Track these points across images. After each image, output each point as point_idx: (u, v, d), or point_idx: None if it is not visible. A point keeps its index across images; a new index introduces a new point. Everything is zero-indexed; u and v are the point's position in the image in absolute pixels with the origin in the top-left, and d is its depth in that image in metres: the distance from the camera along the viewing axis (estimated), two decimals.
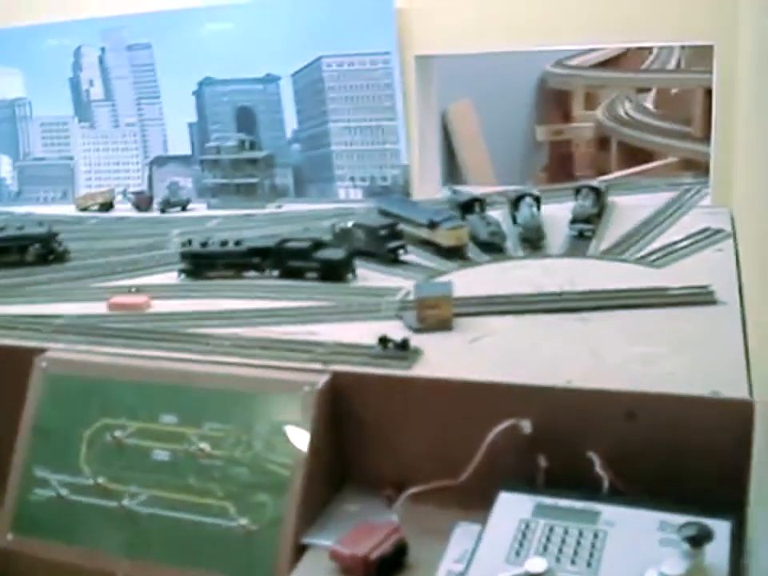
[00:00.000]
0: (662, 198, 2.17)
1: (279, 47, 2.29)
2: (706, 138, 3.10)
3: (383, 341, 1.33)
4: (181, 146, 2.50)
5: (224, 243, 1.79)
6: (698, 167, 3.00)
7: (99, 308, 1.65)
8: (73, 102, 2.58)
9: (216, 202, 2.42)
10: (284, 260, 1.74)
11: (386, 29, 2.18)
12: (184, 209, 2.42)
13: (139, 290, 1.72)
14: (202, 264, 1.78)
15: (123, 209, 2.49)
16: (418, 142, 2.29)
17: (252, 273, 1.78)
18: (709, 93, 3.13)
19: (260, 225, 2.18)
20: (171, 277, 1.83)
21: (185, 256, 1.80)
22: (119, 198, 2.52)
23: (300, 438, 1.24)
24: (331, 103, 2.31)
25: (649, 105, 4.02)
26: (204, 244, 1.79)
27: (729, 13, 1.92)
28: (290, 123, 2.38)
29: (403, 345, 1.32)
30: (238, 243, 1.78)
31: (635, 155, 3.74)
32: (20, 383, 1.41)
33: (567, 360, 1.30)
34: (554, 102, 4.26)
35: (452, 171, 2.68)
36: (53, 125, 2.61)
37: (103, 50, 2.50)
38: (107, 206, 2.49)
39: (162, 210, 2.41)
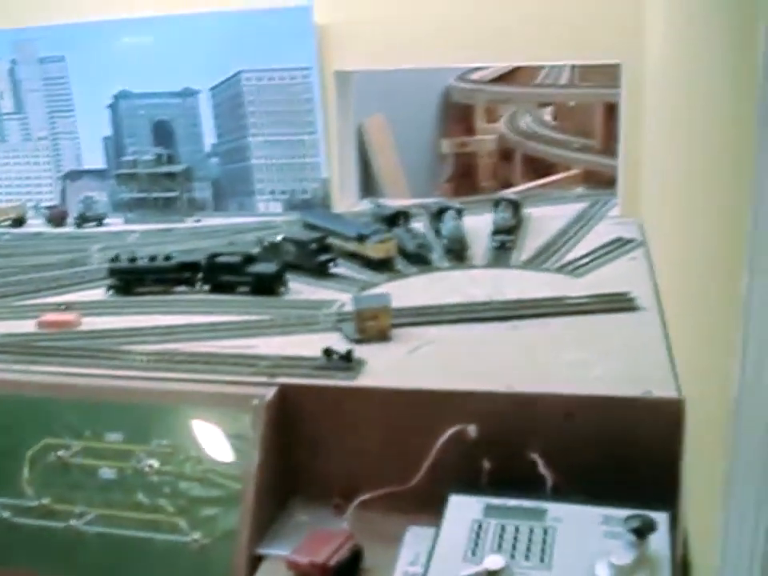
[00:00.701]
0: (572, 210, 2.27)
1: (199, 61, 2.29)
2: (607, 151, 3.24)
3: (328, 352, 1.36)
4: (95, 159, 2.47)
5: (153, 258, 1.78)
6: (601, 178, 3.13)
7: (28, 326, 1.63)
8: None
9: (133, 216, 2.40)
10: (215, 274, 1.75)
11: (306, 44, 2.21)
12: (100, 223, 2.39)
13: (69, 307, 1.70)
14: (130, 280, 1.77)
15: (36, 224, 2.44)
16: (338, 155, 2.32)
17: (182, 288, 1.78)
18: (608, 106, 3.28)
19: (182, 239, 2.18)
20: (98, 293, 1.81)
21: (113, 272, 1.78)
22: (31, 212, 2.47)
23: (250, 451, 1.26)
24: (251, 117, 2.32)
25: (548, 117, 4.17)
26: (132, 260, 1.78)
27: (635, 33, 2.01)
28: (209, 137, 2.38)
29: (347, 356, 1.35)
30: (167, 258, 1.78)
31: (537, 166, 3.87)
32: None
33: (505, 366, 1.35)
34: (458, 115, 4.36)
35: (367, 183, 2.73)
36: None
37: (14, 62, 2.44)
38: (19, 222, 2.44)
39: (78, 225, 2.37)
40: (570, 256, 1.89)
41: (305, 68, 2.25)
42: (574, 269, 1.79)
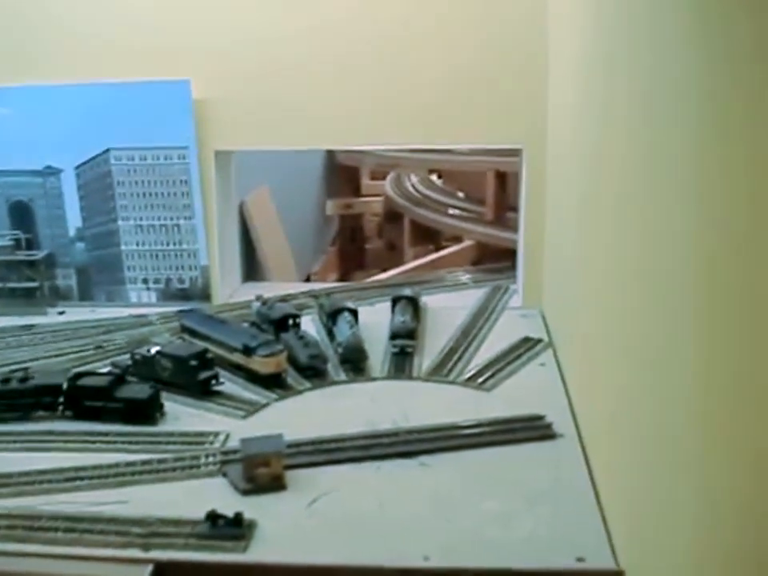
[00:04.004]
0: (471, 298, 2.14)
1: (63, 137, 2.06)
2: (498, 222, 3.15)
3: (212, 517, 1.16)
4: None
5: (6, 381, 1.54)
6: (493, 250, 3.03)
7: None
8: None
9: None
10: (79, 399, 1.52)
11: (184, 122, 2.01)
12: None
13: None
14: None
15: None
16: (218, 240, 2.13)
17: (42, 413, 1.54)
18: (499, 175, 3.20)
19: (44, 340, 1.93)
20: None
21: None
22: None
23: None
24: (121, 199, 2.10)
25: (434, 178, 4.07)
26: None
27: (537, 119, 1.91)
28: (74, 220, 2.15)
29: (236, 521, 1.16)
30: (23, 380, 1.54)
31: (425, 230, 3.75)
32: None
33: (419, 526, 1.19)
34: (345, 174, 4.22)
35: (251, 265, 2.53)
36: None
37: None
38: None
39: None
40: (476, 361, 1.75)
41: (182, 147, 2.05)
42: (481, 382, 1.65)
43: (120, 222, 2.12)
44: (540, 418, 1.48)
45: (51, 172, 2.12)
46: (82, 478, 1.32)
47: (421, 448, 1.39)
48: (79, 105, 2.05)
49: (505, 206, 3.13)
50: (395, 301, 1.93)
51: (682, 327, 0.84)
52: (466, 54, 1.95)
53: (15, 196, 2.15)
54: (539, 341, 1.84)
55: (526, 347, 1.81)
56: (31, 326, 2.03)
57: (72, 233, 2.16)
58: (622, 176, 1.14)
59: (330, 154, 3.95)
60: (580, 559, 1.11)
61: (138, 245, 2.13)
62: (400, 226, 3.94)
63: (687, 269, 0.82)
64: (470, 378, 1.67)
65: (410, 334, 1.80)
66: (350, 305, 1.87)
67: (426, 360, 1.77)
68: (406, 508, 1.24)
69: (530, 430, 1.45)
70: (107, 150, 2.08)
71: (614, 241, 1.20)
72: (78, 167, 2.11)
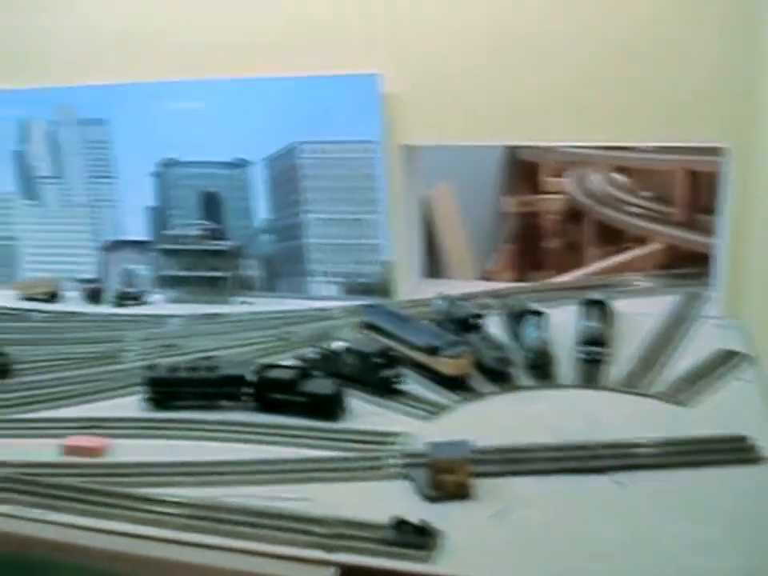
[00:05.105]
0: (662, 304, 2.02)
1: (252, 130, 2.09)
2: (689, 223, 2.99)
3: (399, 525, 1.13)
4: (137, 230, 2.27)
5: (194, 369, 1.57)
6: (681, 253, 2.88)
7: (50, 447, 1.43)
8: (17, 178, 2.33)
9: (176, 296, 2.20)
10: (264, 391, 1.53)
11: (371, 116, 1.99)
12: (140, 302, 2.19)
13: (96, 426, 1.49)
14: (168, 393, 1.56)
15: (72, 296, 2.25)
16: (402, 236, 2.10)
17: (226, 403, 1.56)
18: (691, 174, 3.03)
19: (228, 329, 1.97)
20: (131, 404, 1.60)
21: (149, 382, 1.57)
22: (67, 284, 2.28)
23: None
24: (307, 192, 2.11)
25: (618, 176, 3.91)
26: (172, 369, 1.57)
27: (745, 117, 1.77)
28: (261, 212, 2.17)
29: (422, 529, 1.12)
30: (210, 369, 1.56)
31: (607, 230, 3.61)
32: None
33: (611, 549, 1.12)
34: (523, 171, 4.12)
35: (430, 260, 2.50)
36: None
37: (54, 123, 2.25)
38: (52, 296, 2.25)
39: (117, 304, 2.18)
40: (669, 374, 1.64)
41: (368, 141, 2.03)
42: (676, 395, 1.54)
43: (305, 215, 2.13)
44: (742, 438, 1.36)
45: (239, 164, 2.15)
46: (263, 472, 1.32)
47: (613, 464, 1.31)
48: (270, 98, 2.06)
49: (696, 207, 2.96)
50: (585, 305, 1.84)
51: None
52: (665, 50, 1.83)
53: (206, 187, 2.20)
54: (740, 354, 1.71)
55: (725, 360, 1.68)
56: (216, 315, 2.07)
57: (258, 224, 2.19)
58: None
59: (510, 149, 3.86)
60: None
61: (321, 238, 2.13)
62: (581, 225, 3.81)
63: None
64: (663, 391, 1.57)
65: (601, 340, 1.71)
66: (538, 308, 1.79)
67: (616, 369, 1.67)
68: (598, 528, 1.16)
69: (731, 451, 1.34)
70: (296, 144, 2.09)
71: None
72: (266, 160, 2.13)
